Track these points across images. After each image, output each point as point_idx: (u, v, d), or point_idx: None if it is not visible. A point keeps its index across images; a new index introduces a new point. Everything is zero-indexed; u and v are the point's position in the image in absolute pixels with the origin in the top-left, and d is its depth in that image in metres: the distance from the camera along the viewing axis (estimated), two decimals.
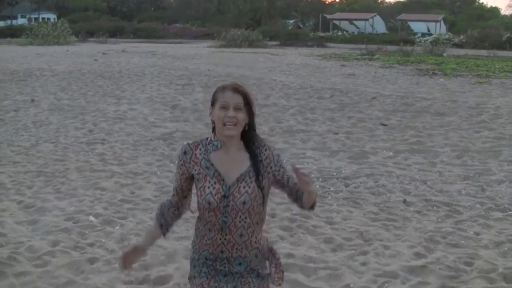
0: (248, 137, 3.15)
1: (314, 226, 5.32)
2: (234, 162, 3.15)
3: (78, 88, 14.30)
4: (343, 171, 7.31)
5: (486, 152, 8.14)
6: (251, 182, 3.15)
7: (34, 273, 4.03)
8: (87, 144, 8.48)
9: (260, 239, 3.31)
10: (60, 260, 4.28)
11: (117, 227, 5.09)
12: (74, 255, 4.40)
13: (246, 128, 3.12)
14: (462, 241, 4.96)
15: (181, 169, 3.19)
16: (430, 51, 29.58)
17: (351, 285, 4.03)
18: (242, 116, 3.03)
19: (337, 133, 9.33)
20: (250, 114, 3.10)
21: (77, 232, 4.93)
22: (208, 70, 18.74)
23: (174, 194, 3.23)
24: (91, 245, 4.65)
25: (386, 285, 4.08)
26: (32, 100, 12.12)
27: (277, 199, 6.02)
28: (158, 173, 7.06)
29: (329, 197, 6.27)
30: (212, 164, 3.14)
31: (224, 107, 2.99)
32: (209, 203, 3.12)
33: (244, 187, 3.13)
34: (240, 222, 3.19)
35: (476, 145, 8.52)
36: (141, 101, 12.04)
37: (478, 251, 4.73)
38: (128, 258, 3.12)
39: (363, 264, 4.46)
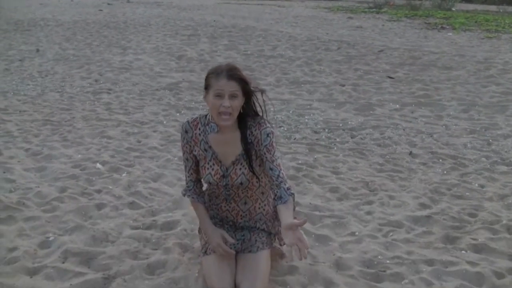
0: (243, 117, 3.12)
1: (320, 175, 5.35)
2: (230, 144, 3.17)
3: (83, 38, 14.19)
4: (349, 122, 7.30)
5: (493, 106, 8.10)
6: (246, 163, 3.17)
7: (43, 217, 4.08)
8: (93, 94, 8.47)
9: (265, 204, 3.37)
10: (68, 205, 4.33)
11: (124, 175, 5.12)
12: (82, 201, 4.45)
13: (242, 110, 3.09)
14: (467, 193, 4.98)
15: (186, 147, 3.24)
16: (438, 6, 29.06)
17: (356, 233, 4.08)
18: (238, 103, 3.00)
19: (343, 85, 9.28)
20: (246, 94, 3.05)
21: (84, 179, 4.97)
22: (214, 21, 18.54)
23: (191, 173, 3.29)
24: (99, 191, 4.70)
25: (391, 233, 4.12)
26: (37, 50, 12.05)
27: (283, 149, 6.04)
28: (165, 122, 7.06)
29: (335, 148, 6.28)
30: (210, 147, 3.17)
31: (219, 95, 2.94)
32: (210, 183, 3.20)
33: (240, 169, 3.17)
34: (243, 193, 3.27)
35: (483, 100, 8.47)
36: (146, 51, 11.96)
37: (482, 203, 4.76)
38: (222, 246, 3.19)
39: (368, 213, 4.50)
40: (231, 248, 3.25)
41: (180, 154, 5.76)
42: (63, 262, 3.43)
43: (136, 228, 4.01)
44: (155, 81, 9.42)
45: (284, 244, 3.50)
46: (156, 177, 5.12)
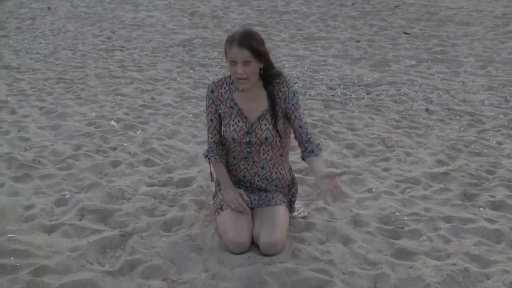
0: (266, 77, 3.22)
1: (336, 132, 5.30)
2: (256, 101, 3.25)
3: None
4: (364, 78, 7.20)
5: (511, 63, 7.93)
6: (272, 119, 3.21)
7: (59, 175, 4.09)
8: (106, 51, 8.39)
9: (281, 169, 3.38)
10: (83, 163, 4.32)
11: (138, 132, 5.10)
12: (97, 159, 4.44)
13: (261, 71, 3.18)
14: (485, 150, 4.91)
15: (212, 107, 3.28)
16: None
17: (373, 190, 4.05)
18: (252, 68, 3.09)
19: (358, 41, 9.12)
20: (262, 58, 3.11)
21: (99, 136, 4.96)
22: None
23: (214, 134, 3.32)
24: (114, 149, 4.68)
25: (408, 190, 4.09)
26: (49, 8, 11.92)
27: None
28: (178, 79, 7.00)
29: (351, 104, 6.20)
30: (235, 104, 3.23)
31: (233, 61, 3.08)
32: (233, 139, 3.21)
33: (265, 124, 3.22)
34: (263, 154, 3.28)
35: (501, 56, 8.29)
36: (159, 8, 11.79)
37: (500, 160, 4.70)
38: (238, 200, 3.23)
39: (385, 170, 4.45)
40: (247, 205, 3.25)
41: (195, 111, 5.79)
42: (80, 220, 3.43)
43: (152, 185, 4.00)
44: (168, 37, 9.31)
45: (295, 212, 3.53)
46: (171, 134, 5.10)
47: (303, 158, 3.26)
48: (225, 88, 3.27)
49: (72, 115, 5.53)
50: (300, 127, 3.22)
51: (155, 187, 3.94)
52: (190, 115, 5.66)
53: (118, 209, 3.56)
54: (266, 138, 3.23)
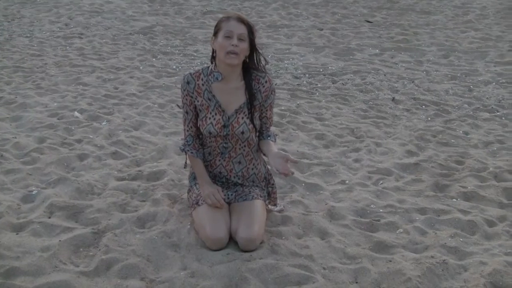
0: (247, 69, 3.20)
1: (304, 122, 5.26)
2: (234, 93, 3.20)
3: None
4: (329, 67, 7.18)
5: (473, 52, 8.04)
6: (249, 113, 3.17)
7: (24, 170, 3.92)
8: (64, 39, 8.14)
9: (258, 164, 3.33)
10: (48, 157, 4.16)
11: (104, 123, 4.95)
12: (63, 152, 4.28)
13: (247, 60, 3.17)
14: (452, 140, 4.96)
15: (187, 99, 3.20)
16: None
17: (346, 182, 4.03)
18: (244, 46, 3.08)
19: (321, 29, 9.11)
20: (252, 46, 3.14)
21: (63, 128, 4.79)
22: None
23: (190, 127, 3.24)
24: (79, 141, 4.53)
25: (381, 181, 4.09)
26: None
27: None
28: (141, 67, 6.84)
29: (317, 94, 6.18)
30: (213, 96, 3.15)
31: (228, 36, 3.04)
32: (210, 133, 3.13)
33: (242, 117, 3.16)
34: (240, 149, 3.21)
35: (462, 45, 8.41)
36: None
37: (468, 150, 4.75)
38: (216, 195, 3.15)
39: (356, 160, 4.44)
40: (224, 200, 3.18)
41: (160, 100, 5.66)
42: (49, 217, 3.30)
43: (122, 179, 3.88)
44: (128, 25, 9.09)
45: (273, 205, 3.48)
46: (137, 125, 4.97)
47: (258, 141, 3.34)
48: (202, 79, 3.19)
49: (33, 106, 5.33)
50: (265, 123, 3.32)
51: (125, 181, 3.82)
52: (156, 105, 5.53)
53: (89, 205, 3.43)
54: (242, 132, 3.16)
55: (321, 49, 8.06)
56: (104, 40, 8.12)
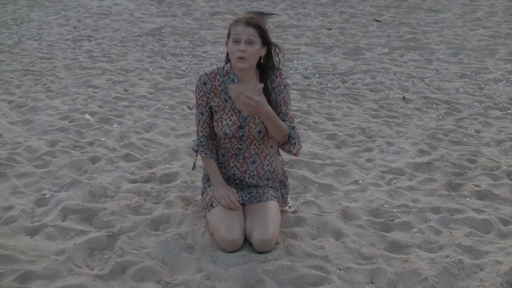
0: (265, 70, 3.16)
1: (315, 122, 5.25)
2: (250, 94, 3.09)
3: None
4: (339, 67, 7.17)
5: (482, 50, 8.01)
6: None
7: (36, 173, 3.92)
8: (73, 41, 8.16)
9: (273, 161, 3.30)
10: (61, 160, 4.16)
11: (115, 125, 4.96)
12: (75, 155, 4.29)
13: (262, 60, 3.13)
14: (464, 139, 4.93)
15: (202, 100, 3.17)
16: None
17: (360, 182, 4.01)
18: (254, 49, 3.02)
19: (330, 29, 9.09)
20: (268, 45, 3.09)
21: (74, 131, 4.79)
22: None
23: (205, 128, 3.21)
24: (91, 144, 4.53)
25: (394, 181, 4.07)
26: None
27: None
28: (150, 69, 6.85)
29: (327, 93, 6.16)
30: (230, 97, 3.12)
31: (236, 41, 3.02)
32: (225, 134, 3.11)
33: (259, 117, 3.09)
34: (254, 149, 3.20)
35: (471, 43, 8.37)
36: None
37: (480, 148, 4.72)
38: (231, 197, 3.13)
39: (369, 160, 4.43)
40: (238, 202, 3.18)
41: (171, 102, 5.66)
42: (63, 220, 3.30)
43: (135, 181, 3.88)
44: (136, 26, 9.11)
45: (287, 206, 3.47)
46: (149, 127, 4.97)
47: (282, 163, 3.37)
48: (218, 80, 3.17)
49: (44, 109, 5.34)
50: (284, 120, 3.18)
51: (138, 184, 3.82)
52: (166, 107, 5.54)
53: (102, 208, 3.43)
54: (259, 132, 3.15)
55: (330, 48, 8.04)
56: (113, 42, 8.13)
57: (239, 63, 3.02)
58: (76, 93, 5.87)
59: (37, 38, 8.34)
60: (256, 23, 3.03)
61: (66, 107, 5.42)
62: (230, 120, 3.14)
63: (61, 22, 9.34)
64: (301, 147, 3.22)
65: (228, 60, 3.19)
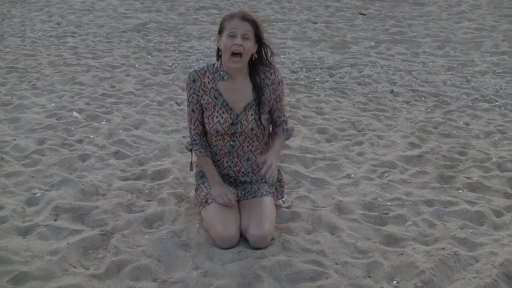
0: (254, 66, 3.12)
1: (305, 116, 5.24)
2: (242, 91, 3.13)
3: None
4: (326, 60, 7.16)
5: (468, 43, 8.04)
6: (258, 109, 3.13)
7: (26, 172, 3.86)
8: (57, 38, 8.06)
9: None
10: (50, 158, 4.11)
11: (103, 122, 4.90)
12: (64, 153, 4.23)
13: (254, 57, 3.09)
14: (454, 131, 4.95)
15: (193, 97, 3.13)
16: None
17: (352, 175, 4.00)
18: (249, 45, 2.99)
19: (315, 22, 9.08)
20: (259, 42, 3.06)
21: (62, 128, 4.73)
22: None
23: (197, 125, 3.17)
24: (80, 141, 4.48)
25: (386, 174, 4.07)
26: None
27: None
28: (137, 65, 6.79)
29: (316, 87, 6.15)
30: (220, 94, 3.09)
31: (232, 35, 2.96)
32: (217, 131, 3.07)
33: (251, 114, 3.11)
34: (248, 146, 3.17)
35: (457, 36, 8.40)
36: None
37: (470, 141, 4.74)
38: (228, 195, 3.11)
39: (360, 154, 4.42)
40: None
41: (158, 98, 5.61)
42: (55, 220, 3.25)
43: (126, 179, 3.84)
44: (121, 22, 9.02)
45: (281, 200, 3.45)
46: (138, 124, 4.93)
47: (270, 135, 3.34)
48: (208, 77, 3.13)
49: (30, 107, 5.27)
50: (278, 116, 3.25)
51: (130, 181, 3.78)
52: (154, 103, 5.49)
53: (95, 207, 3.39)
54: (252, 129, 3.13)
55: (317, 42, 8.03)
56: (97, 39, 8.05)
57: (234, 62, 2.99)
58: (62, 90, 5.80)
59: (20, 34, 8.22)
60: (252, 19, 3.00)
61: (52, 104, 5.35)
62: (222, 117, 3.11)
63: (44, 18, 9.22)
64: (293, 131, 3.38)
65: (219, 57, 3.14)
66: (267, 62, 3.13)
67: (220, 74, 3.10)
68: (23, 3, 10.35)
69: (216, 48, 3.17)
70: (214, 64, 3.16)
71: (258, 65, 3.11)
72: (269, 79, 3.11)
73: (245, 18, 2.98)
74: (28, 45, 7.68)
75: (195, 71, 3.14)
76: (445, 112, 5.46)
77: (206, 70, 3.14)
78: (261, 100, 3.10)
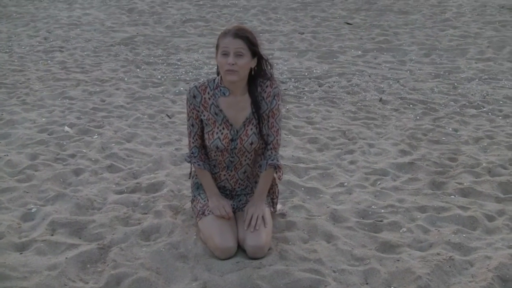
0: (253, 79, 3.11)
1: (296, 126, 5.27)
2: (242, 106, 3.14)
3: None
4: (314, 70, 7.22)
5: (453, 50, 8.15)
6: (257, 123, 3.13)
7: (20, 188, 3.85)
8: (45, 53, 8.05)
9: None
10: (43, 173, 4.10)
11: (95, 136, 4.90)
12: (57, 168, 4.23)
13: (253, 71, 3.09)
14: (443, 138, 5.01)
15: (193, 113, 3.14)
16: None
17: (345, 184, 4.04)
18: (243, 62, 2.97)
19: (302, 33, 9.15)
20: (257, 56, 3.06)
21: (54, 143, 4.73)
22: None
23: (196, 139, 3.19)
24: (73, 156, 4.48)
25: (379, 182, 4.11)
26: None
27: None
28: (126, 79, 6.80)
29: (305, 97, 6.20)
30: (221, 110, 3.10)
31: (225, 54, 2.96)
32: (217, 147, 3.09)
33: (251, 129, 3.12)
34: (245, 160, 3.19)
35: (442, 43, 8.51)
36: (94, 5, 11.42)
37: (459, 147, 4.80)
38: (226, 208, 3.15)
39: (352, 162, 4.46)
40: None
41: (149, 111, 5.63)
42: (52, 235, 3.25)
43: (121, 192, 3.85)
44: (108, 36, 9.03)
45: (275, 211, 3.47)
46: (130, 137, 4.93)
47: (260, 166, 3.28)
48: (208, 93, 3.13)
49: (21, 122, 5.25)
50: (268, 135, 3.16)
51: (125, 195, 3.79)
52: (145, 116, 5.50)
53: (91, 221, 3.39)
54: (251, 143, 3.14)
55: (304, 53, 8.09)
56: (85, 53, 8.05)
57: (229, 75, 2.97)
58: (52, 105, 5.79)
59: (7, 50, 8.20)
60: (245, 35, 2.97)
61: (43, 119, 5.34)
62: (222, 133, 3.12)
63: (31, 33, 9.20)
64: (282, 174, 3.35)
65: (219, 72, 3.16)
66: (267, 75, 3.12)
67: (221, 90, 3.11)
68: (9, 19, 10.32)
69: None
70: (214, 80, 3.16)
71: (257, 78, 3.11)
72: (265, 92, 3.11)
73: (237, 35, 2.95)
74: (16, 60, 7.65)
75: (196, 87, 3.14)
76: (434, 119, 5.53)
77: (206, 86, 3.14)
78: (259, 113, 3.10)
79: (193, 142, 3.20)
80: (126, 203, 3.66)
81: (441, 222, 3.52)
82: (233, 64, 2.93)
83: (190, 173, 3.41)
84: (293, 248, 3.13)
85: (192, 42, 8.70)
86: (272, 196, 3.40)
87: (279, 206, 3.56)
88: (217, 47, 3.03)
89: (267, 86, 3.11)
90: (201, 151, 3.22)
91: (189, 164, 3.44)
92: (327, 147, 4.80)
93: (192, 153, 3.20)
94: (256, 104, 3.09)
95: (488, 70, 7.15)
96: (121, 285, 2.78)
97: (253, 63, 3.05)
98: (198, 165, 3.18)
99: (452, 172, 4.30)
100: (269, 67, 3.13)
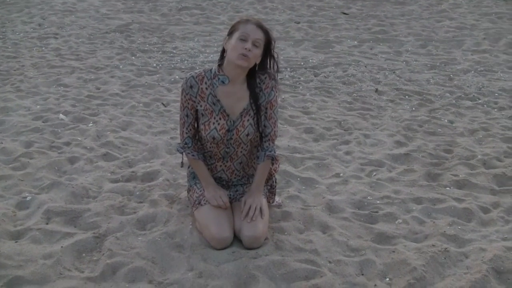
0: (253, 75, 3.11)
1: (291, 116, 5.26)
2: (238, 96, 3.12)
3: None
4: (310, 60, 7.20)
5: (449, 41, 8.14)
6: (254, 114, 3.12)
7: (15, 176, 3.83)
8: (39, 39, 7.99)
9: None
10: (38, 161, 4.08)
11: (90, 124, 4.88)
12: (52, 156, 4.20)
13: (256, 67, 3.09)
14: (439, 129, 5.02)
15: (188, 103, 3.11)
16: None
17: (341, 174, 4.04)
18: (257, 53, 2.98)
19: (298, 22, 9.12)
20: (267, 54, 3.06)
21: (49, 131, 4.70)
22: None
23: (189, 130, 3.16)
24: (68, 144, 4.45)
25: (374, 173, 4.11)
26: None
27: None
28: (121, 66, 6.76)
29: (301, 87, 6.19)
30: (218, 100, 3.08)
31: (243, 39, 2.94)
32: (214, 138, 3.08)
33: (248, 120, 3.11)
34: (241, 151, 3.18)
35: (438, 35, 8.50)
36: None
37: (455, 138, 4.81)
38: (223, 198, 3.14)
39: (347, 153, 4.46)
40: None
41: (145, 99, 5.60)
42: (47, 223, 3.23)
43: (116, 181, 3.83)
44: (103, 23, 8.97)
45: (273, 202, 3.46)
46: (125, 126, 4.91)
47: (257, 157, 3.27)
48: (206, 83, 3.11)
49: (15, 109, 5.22)
50: (265, 126, 3.17)
51: (120, 183, 3.77)
52: (141, 105, 5.47)
53: (86, 209, 3.38)
54: (247, 135, 3.13)
55: (300, 42, 8.07)
56: (80, 40, 7.99)
57: (241, 59, 2.93)
58: (47, 93, 5.75)
59: (1, 36, 8.13)
60: (266, 30, 3.01)
61: (38, 107, 5.31)
62: (218, 124, 3.10)
63: (25, 19, 9.13)
64: (278, 166, 3.43)
65: (222, 57, 3.12)
66: (267, 70, 3.12)
67: (219, 78, 3.08)
68: (2, 4, 10.23)
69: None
70: (211, 70, 3.13)
71: (257, 72, 3.10)
72: (264, 83, 3.11)
73: (260, 26, 2.98)
74: (9, 46, 7.60)
75: (193, 76, 3.11)
76: (430, 110, 5.53)
77: (203, 76, 3.11)
78: (258, 104, 3.09)
79: (186, 133, 3.18)
80: (121, 192, 3.64)
81: (436, 214, 3.53)
82: (249, 50, 2.91)
83: (182, 162, 3.40)
84: (289, 238, 3.13)
85: (187, 30, 8.65)
86: (269, 187, 3.40)
87: (276, 198, 3.55)
88: (233, 31, 3.00)
89: (265, 78, 3.11)
90: (194, 141, 3.20)
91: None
92: (322, 137, 4.80)
93: (186, 143, 3.18)
94: (254, 95, 3.08)
95: (484, 62, 7.16)
96: (116, 274, 2.78)
97: (259, 59, 3.05)
98: (192, 155, 3.16)
99: (447, 163, 4.30)
100: (274, 67, 3.13)
